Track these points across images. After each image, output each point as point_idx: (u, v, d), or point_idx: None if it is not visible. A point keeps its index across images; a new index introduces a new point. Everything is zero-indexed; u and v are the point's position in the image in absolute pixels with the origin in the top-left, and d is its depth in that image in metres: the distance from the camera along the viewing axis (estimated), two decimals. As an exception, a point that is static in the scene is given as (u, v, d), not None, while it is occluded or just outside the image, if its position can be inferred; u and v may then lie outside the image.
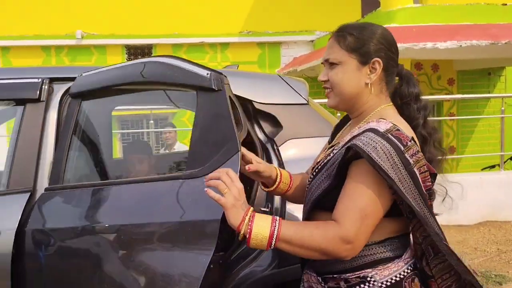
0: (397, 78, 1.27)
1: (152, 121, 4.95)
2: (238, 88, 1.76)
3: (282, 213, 1.68)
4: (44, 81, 1.72)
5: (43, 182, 1.65)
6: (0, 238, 1.52)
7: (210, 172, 1.21)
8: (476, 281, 1.14)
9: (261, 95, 1.90)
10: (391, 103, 1.24)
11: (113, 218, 1.47)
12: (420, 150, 1.15)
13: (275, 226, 1.08)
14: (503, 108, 5.11)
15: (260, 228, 1.07)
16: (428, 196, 1.15)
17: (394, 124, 1.13)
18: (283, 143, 1.85)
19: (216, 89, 1.42)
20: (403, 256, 1.18)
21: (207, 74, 1.44)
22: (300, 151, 1.86)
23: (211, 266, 1.26)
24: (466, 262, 4.00)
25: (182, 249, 1.35)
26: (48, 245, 1.53)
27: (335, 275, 1.18)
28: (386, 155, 1.07)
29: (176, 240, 1.36)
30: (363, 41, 1.19)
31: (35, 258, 1.53)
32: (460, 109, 9.17)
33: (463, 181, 4.96)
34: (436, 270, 1.17)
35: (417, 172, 1.10)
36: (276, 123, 1.88)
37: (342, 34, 1.21)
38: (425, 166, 1.14)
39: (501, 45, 4.95)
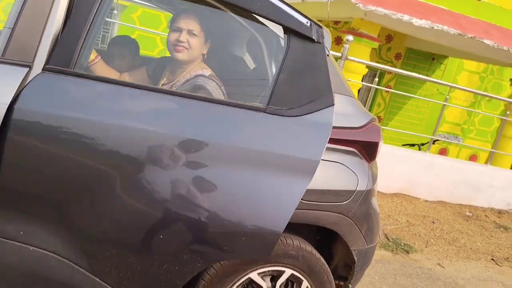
0: None
1: (115, 11, 4.52)
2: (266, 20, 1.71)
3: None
4: None
5: (43, 60, 1.45)
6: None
7: (302, 114, 1.47)
8: None
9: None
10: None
11: (171, 127, 1.41)
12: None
13: None
14: (447, 97, 5.42)
15: None
16: None
17: (212, 71, 1.79)
18: (298, 89, 1.80)
19: (316, 40, 1.51)
20: None
21: (307, 22, 1.50)
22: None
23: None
24: (381, 227, 4.38)
25: (275, 177, 1.44)
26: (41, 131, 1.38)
27: None
28: (214, 88, 1.69)
29: (268, 167, 1.43)
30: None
31: (21, 140, 1.37)
32: (398, 84, 9.63)
33: (394, 154, 5.38)
34: None
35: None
36: (296, 68, 1.81)
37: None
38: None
39: (466, 37, 5.16)
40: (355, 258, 1.96)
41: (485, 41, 5.25)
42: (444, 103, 5.48)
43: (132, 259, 1.44)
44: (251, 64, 1.83)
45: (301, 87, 1.47)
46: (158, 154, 1.38)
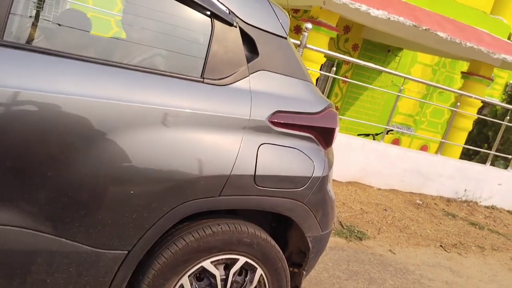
0: None
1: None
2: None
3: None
4: None
5: None
6: None
7: (229, 84, 1.70)
8: None
9: (245, 13, 1.74)
10: None
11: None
12: None
13: None
14: (401, 88, 5.53)
15: None
16: None
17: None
18: (254, 72, 1.74)
19: (233, 24, 1.70)
20: None
21: (226, 10, 1.68)
22: (269, 86, 1.78)
23: None
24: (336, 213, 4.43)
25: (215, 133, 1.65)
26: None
27: None
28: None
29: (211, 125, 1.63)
30: None
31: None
32: (354, 75, 9.78)
33: (349, 143, 5.45)
34: None
35: None
36: (253, 49, 1.75)
37: None
38: None
39: (421, 29, 5.27)
40: (310, 244, 1.95)
41: (438, 33, 5.39)
42: (398, 93, 5.59)
43: (102, 215, 1.48)
44: (189, 42, 1.85)
45: (225, 62, 1.70)
46: (110, 120, 1.47)
